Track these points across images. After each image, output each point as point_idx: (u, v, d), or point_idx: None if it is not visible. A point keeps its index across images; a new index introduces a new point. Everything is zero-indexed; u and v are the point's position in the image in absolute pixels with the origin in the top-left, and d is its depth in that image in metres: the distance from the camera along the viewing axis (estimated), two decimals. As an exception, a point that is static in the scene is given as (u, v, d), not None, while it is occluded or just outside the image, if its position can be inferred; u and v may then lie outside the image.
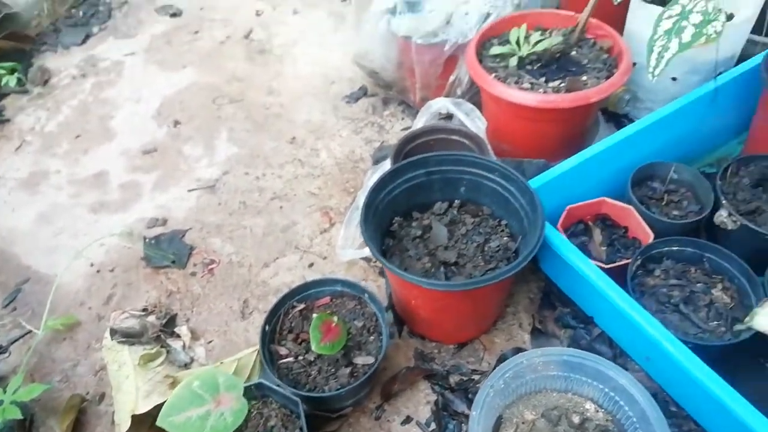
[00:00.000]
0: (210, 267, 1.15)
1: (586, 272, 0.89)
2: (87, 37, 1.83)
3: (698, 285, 0.95)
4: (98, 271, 1.17)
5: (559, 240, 0.93)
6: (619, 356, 0.96)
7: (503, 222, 1.00)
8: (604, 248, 1.03)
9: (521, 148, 1.22)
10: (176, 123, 1.48)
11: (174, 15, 1.89)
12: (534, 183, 1.01)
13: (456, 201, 1.03)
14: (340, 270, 1.12)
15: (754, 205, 1.03)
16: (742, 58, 1.21)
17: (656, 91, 1.27)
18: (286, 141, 1.40)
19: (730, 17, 1.18)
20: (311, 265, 1.14)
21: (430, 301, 0.92)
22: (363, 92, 1.52)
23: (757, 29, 1.37)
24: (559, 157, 1.08)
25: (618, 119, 1.36)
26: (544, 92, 1.12)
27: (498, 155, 1.27)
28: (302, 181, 1.30)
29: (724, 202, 1.00)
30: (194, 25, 1.83)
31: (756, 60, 1.15)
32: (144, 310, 1.04)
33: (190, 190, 1.30)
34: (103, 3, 1.97)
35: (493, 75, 1.16)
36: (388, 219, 1.00)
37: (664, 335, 0.80)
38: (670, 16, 1.05)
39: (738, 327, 0.86)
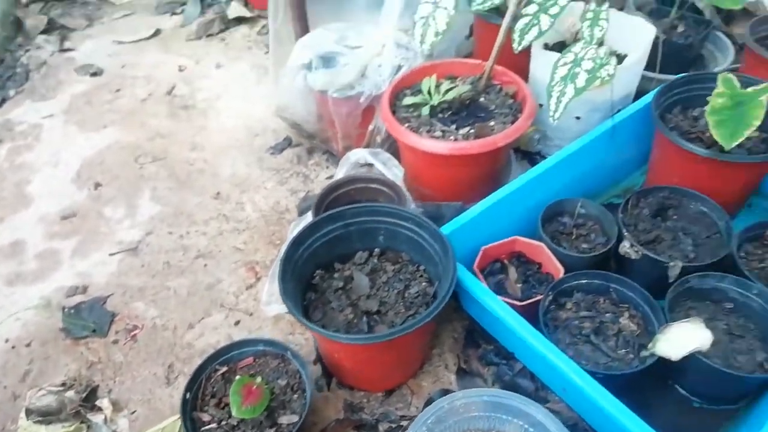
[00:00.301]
0: (133, 333, 1.12)
1: (498, 312, 0.92)
2: (3, 101, 1.79)
3: (607, 315, 1.00)
4: (13, 347, 1.12)
5: (471, 282, 0.96)
6: (541, 389, 0.99)
7: (421, 267, 1.03)
8: (519, 285, 1.07)
9: (439, 191, 1.26)
10: (97, 185, 1.46)
11: (95, 74, 1.88)
12: (449, 227, 1.05)
13: (376, 249, 1.06)
14: (267, 325, 1.12)
15: (653, 234, 1.10)
16: (641, 93, 1.30)
17: (563, 129, 1.34)
18: (210, 196, 1.40)
19: (621, 59, 1.28)
20: (237, 322, 1.13)
21: (353, 354, 0.93)
22: (287, 143, 1.55)
23: (651, 67, 1.49)
24: (475, 198, 1.12)
25: (531, 157, 1.43)
26: (455, 139, 1.17)
27: (419, 199, 1.31)
28: (227, 236, 1.30)
29: (625, 233, 1.06)
30: (116, 83, 1.82)
31: (648, 98, 1.24)
32: (63, 384, 1.01)
33: (111, 254, 1.28)
34: (20, 65, 1.93)
35: (407, 125, 1.20)
36: (310, 272, 1.02)
37: (572, 368, 0.84)
38: (565, 63, 1.13)
39: (643, 353, 0.91)
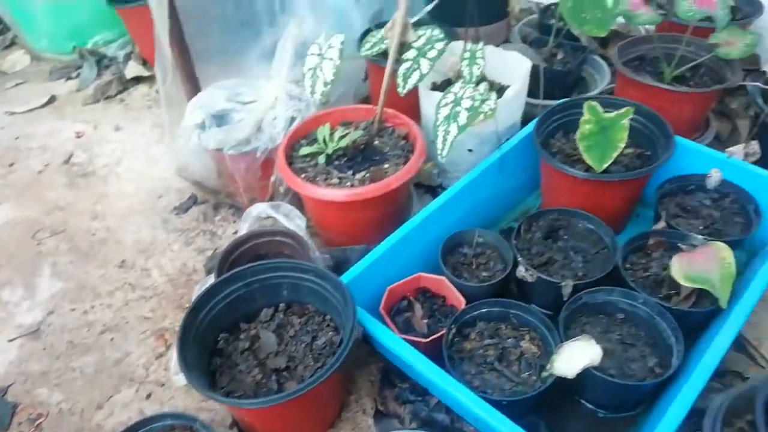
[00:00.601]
0: (37, 422, 1.07)
1: (400, 352, 0.94)
2: None
3: (509, 340, 1.04)
4: None
5: (374, 325, 0.98)
6: (457, 420, 1.01)
7: (327, 317, 1.04)
8: (426, 321, 1.10)
9: (345, 235, 1.29)
10: (-9, 268, 1.40)
11: (-15, 149, 1.81)
12: (351, 273, 1.07)
13: (281, 304, 1.06)
14: (180, 395, 1.09)
15: (546, 256, 1.15)
16: (529, 119, 1.36)
17: (458, 162, 1.40)
18: (114, 266, 1.37)
19: (501, 92, 1.34)
20: (149, 395, 1.10)
21: (262, 415, 0.93)
22: (193, 201, 1.53)
23: (536, 94, 1.58)
24: (380, 238, 1.14)
25: (434, 190, 1.48)
26: (352, 185, 1.20)
27: (328, 244, 1.33)
28: (134, 306, 1.27)
29: (519, 259, 1.11)
30: (9, 157, 1.76)
31: (529, 128, 1.32)
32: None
33: (10, 340, 1.22)
34: None
35: (303, 175, 1.22)
36: (214, 337, 1.00)
37: (472, 399, 0.87)
38: (446, 104, 1.19)
39: (543, 374, 0.95)
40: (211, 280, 1.18)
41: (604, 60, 1.72)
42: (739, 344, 1.12)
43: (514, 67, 1.38)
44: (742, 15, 1.66)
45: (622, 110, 1.08)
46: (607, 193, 1.20)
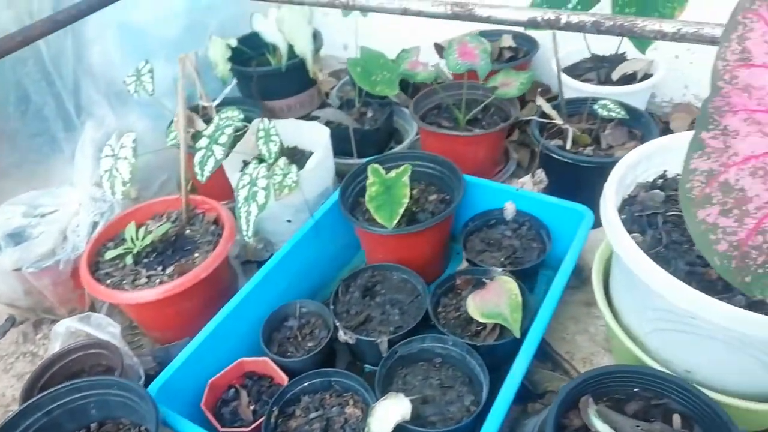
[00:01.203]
0: None
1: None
2: None
3: (334, 409, 1.05)
4: None
5: (185, 428, 0.96)
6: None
7: (143, 428, 1.00)
8: (253, 406, 1.09)
9: (170, 331, 1.26)
10: None
11: None
12: (164, 375, 1.04)
13: (92, 425, 1.01)
14: None
15: (364, 315, 1.18)
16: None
17: (281, 233, 1.42)
18: None
19: (299, 164, 1.39)
20: None
21: None
22: (11, 323, 1.43)
23: (351, 154, 1.65)
24: (201, 328, 1.13)
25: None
26: (161, 282, 1.18)
27: (157, 343, 1.29)
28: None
29: (337, 323, 1.14)
30: None
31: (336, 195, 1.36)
32: None
33: None
34: None
35: (109, 281, 1.19)
36: (15, 479, 0.93)
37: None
38: (244, 185, 1.21)
39: (364, 438, 0.97)
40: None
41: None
42: (555, 362, 1.20)
43: (315, 136, 1.44)
44: (523, 53, 1.84)
45: (401, 169, 1.16)
46: (413, 242, 1.26)
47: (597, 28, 1.04)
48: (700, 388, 0.87)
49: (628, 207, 1.06)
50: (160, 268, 1.21)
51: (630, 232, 1.02)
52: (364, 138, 1.66)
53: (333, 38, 2.12)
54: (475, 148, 1.51)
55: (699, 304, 0.81)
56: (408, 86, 1.85)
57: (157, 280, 1.18)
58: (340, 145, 1.66)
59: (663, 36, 1.00)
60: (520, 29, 1.83)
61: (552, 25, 1.08)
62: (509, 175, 1.62)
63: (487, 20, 1.13)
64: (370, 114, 1.74)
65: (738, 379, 0.89)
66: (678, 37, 1.00)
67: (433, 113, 1.64)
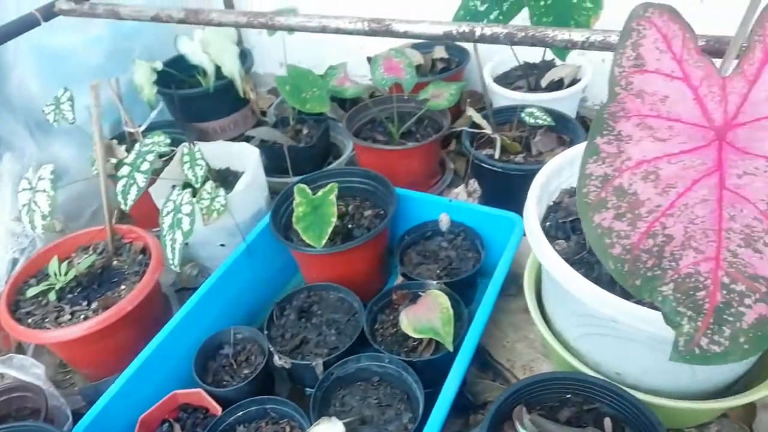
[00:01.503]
0: None
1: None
2: None
3: (269, 438, 1.02)
4: None
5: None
6: None
7: (66, 474, 0.96)
8: (186, 442, 1.05)
9: (100, 366, 1.22)
10: None
11: None
12: (90, 414, 0.99)
13: (12, 475, 0.96)
14: None
15: (300, 338, 1.16)
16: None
17: (215, 258, 1.39)
18: None
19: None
20: None
21: None
22: (-68, 370, 1.36)
23: (287, 172, 1.62)
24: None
25: (201, 291, 1.45)
26: (86, 318, 1.13)
27: (89, 380, 1.24)
28: None
29: (270, 348, 1.11)
30: None
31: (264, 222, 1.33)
32: None
33: None
34: None
35: (30, 320, 1.14)
36: None
37: None
38: (168, 212, 1.18)
39: (299, 466, 0.95)
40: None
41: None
42: (496, 371, 1.20)
43: (245, 157, 1.41)
44: (456, 63, 1.86)
45: (327, 188, 1.14)
46: (349, 259, 1.24)
47: (510, 40, 1.06)
48: (630, 389, 0.88)
49: (553, 214, 1.07)
50: (85, 303, 1.16)
51: (555, 238, 1.03)
52: (300, 155, 1.64)
53: (270, 55, 2.10)
54: (410, 160, 1.51)
55: (617, 308, 0.82)
56: (345, 101, 1.84)
57: (82, 316, 1.13)
58: (276, 163, 1.65)
59: (573, 45, 1.02)
60: (452, 40, 1.85)
61: (467, 38, 1.09)
62: (447, 185, 1.63)
63: (404, 35, 1.14)
64: (305, 131, 1.73)
65: (662, 379, 0.91)
66: (587, 45, 1.02)
67: (368, 127, 1.63)
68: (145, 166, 1.19)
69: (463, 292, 1.21)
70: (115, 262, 1.26)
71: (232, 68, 1.60)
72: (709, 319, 0.65)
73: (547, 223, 1.05)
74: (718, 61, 0.73)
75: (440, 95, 1.51)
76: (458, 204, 1.33)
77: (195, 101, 1.72)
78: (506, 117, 1.53)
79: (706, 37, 0.88)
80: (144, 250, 1.27)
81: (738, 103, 0.67)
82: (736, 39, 0.71)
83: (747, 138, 0.66)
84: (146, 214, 1.43)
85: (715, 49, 0.87)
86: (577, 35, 0.99)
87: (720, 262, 0.65)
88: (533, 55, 1.77)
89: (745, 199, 0.65)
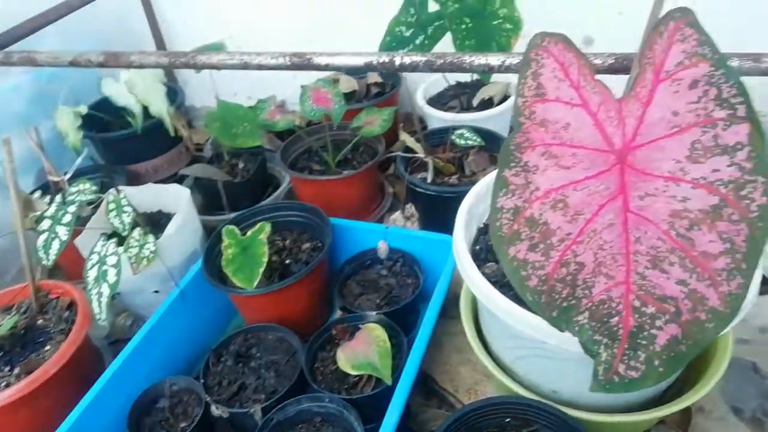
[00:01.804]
0: None
1: None
2: None
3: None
4: None
5: None
6: None
7: None
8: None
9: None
10: None
11: None
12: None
13: None
14: None
15: (237, 384, 1.12)
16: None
17: (150, 305, 1.33)
18: None
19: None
20: None
21: None
22: None
23: (223, 209, 1.59)
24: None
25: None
26: (8, 385, 1.07)
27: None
28: None
29: (207, 398, 1.08)
30: None
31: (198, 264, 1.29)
32: None
33: None
34: None
35: (-53, 391, 1.07)
36: None
37: None
38: (93, 265, 1.13)
39: None
40: None
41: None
42: (441, 398, 1.19)
43: (176, 198, 1.38)
44: (389, 87, 1.86)
45: (257, 227, 1.12)
46: (287, 297, 1.21)
47: (429, 67, 1.06)
48: (565, 408, 0.88)
49: (482, 236, 1.07)
50: (7, 368, 1.10)
51: (486, 261, 1.03)
52: (237, 190, 1.61)
53: (206, 89, 2.07)
54: (347, 189, 1.50)
55: (545, 331, 0.81)
56: (283, 132, 1.82)
57: (3, 383, 1.07)
58: (212, 200, 1.61)
59: (490, 69, 1.03)
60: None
61: (387, 67, 1.09)
62: (387, 210, 1.62)
63: (326, 68, 1.13)
64: (241, 165, 1.70)
65: (596, 395, 0.91)
66: (503, 69, 1.02)
67: (304, 157, 1.62)
68: (67, 218, 1.14)
69: (404, 319, 1.19)
70: (39, 321, 1.20)
71: (160, 108, 1.56)
72: (624, 345, 0.65)
73: (477, 246, 1.05)
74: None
75: (373, 122, 1.51)
76: (395, 230, 1.32)
77: (125, 143, 1.67)
78: (440, 138, 1.53)
79: (616, 54, 0.90)
80: (71, 306, 1.21)
81: (635, 125, 0.68)
82: (637, 58, 0.72)
83: (645, 159, 0.67)
84: (78, 263, 1.38)
85: (623, 66, 0.88)
86: (494, 59, 0.99)
87: (630, 285, 0.65)
88: (464, 75, 1.78)
89: (648, 220, 0.66)
